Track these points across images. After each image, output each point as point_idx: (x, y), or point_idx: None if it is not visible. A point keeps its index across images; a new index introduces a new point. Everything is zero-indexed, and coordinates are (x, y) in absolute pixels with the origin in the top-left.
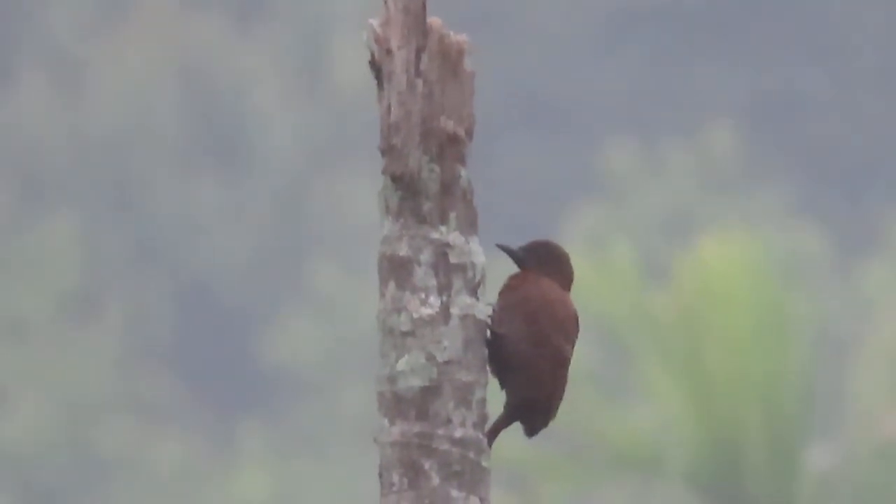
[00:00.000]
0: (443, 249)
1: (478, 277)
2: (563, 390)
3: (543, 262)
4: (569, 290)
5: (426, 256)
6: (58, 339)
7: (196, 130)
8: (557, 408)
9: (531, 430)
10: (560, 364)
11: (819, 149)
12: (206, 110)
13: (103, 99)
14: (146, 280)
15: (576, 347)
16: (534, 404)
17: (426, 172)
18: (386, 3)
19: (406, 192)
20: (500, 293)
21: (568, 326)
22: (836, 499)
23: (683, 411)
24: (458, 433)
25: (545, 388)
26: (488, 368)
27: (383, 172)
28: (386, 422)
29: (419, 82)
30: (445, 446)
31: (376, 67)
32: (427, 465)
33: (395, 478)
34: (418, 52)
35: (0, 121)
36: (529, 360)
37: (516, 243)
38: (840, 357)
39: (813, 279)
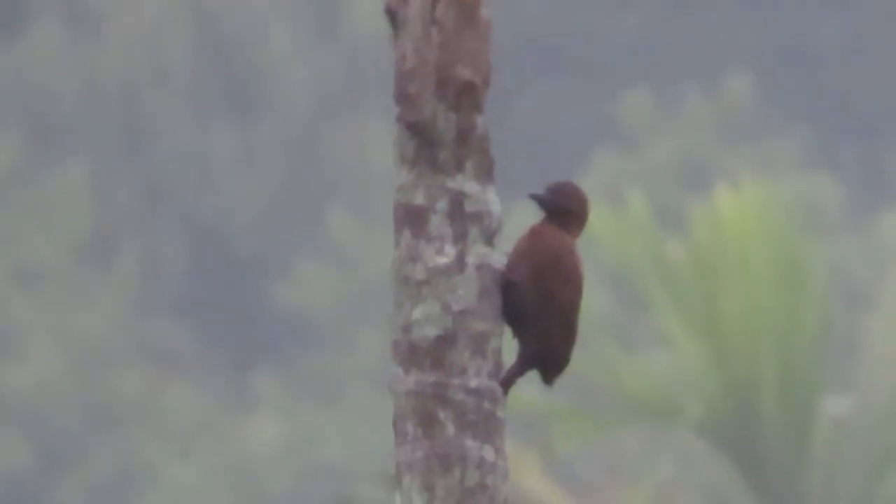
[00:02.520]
0: (458, 198)
1: (494, 226)
2: (574, 340)
3: (567, 205)
4: (580, 230)
5: (442, 205)
6: (71, 286)
7: (210, 75)
8: (570, 357)
9: (547, 380)
10: (568, 317)
11: (836, 98)
12: (221, 55)
13: (116, 44)
14: (160, 227)
15: (592, 296)
16: (546, 355)
17: (442, 121)
18: None
19: (421, 140)
20: (518, 240)
21: (575, 280)
22: (850, 447)
23: (699, 360)
24: (473, 383)
25: (555, 340)
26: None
27: (398, 121)
28: (401, 371)
29: (435, 30)
30: (460, 396)
31: (391, 14)
32: (442, 414)
33: (410, 427)
34: None
35: (12, 66)
36: (538, 314)
37: (532, 191)
38: (856, 306)
39: (829, 228)
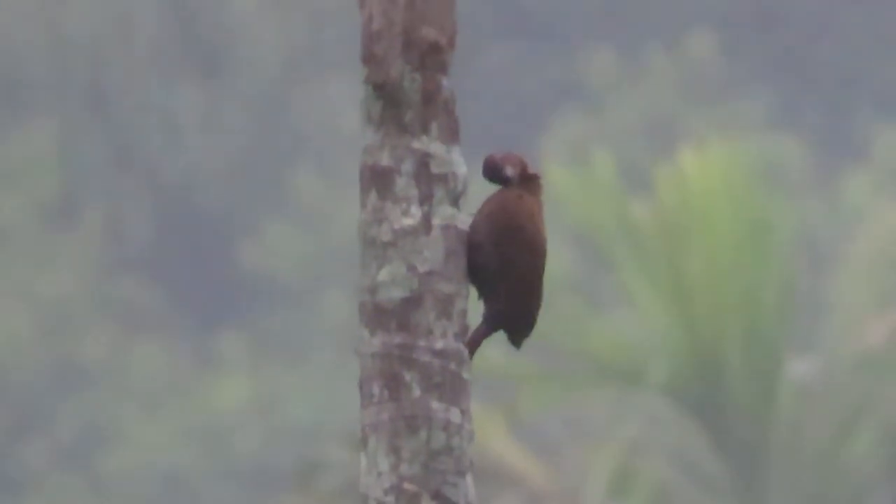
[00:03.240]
0: (424, 159)
1: (459, 187)
2: (539, 303)
3: (505, 170)
4: (538, 186)
5: (408, 166)
6: (37, 246)
7: (176, 35)
8: (536, 318)
9: (515, 342)
10: (530, 281)
11: (801, 58)
12: (187, 15)
13: (81, 4)
14: (125, 187)
15: (556, 257)
16: (511, 316)
17: (408, 82)
18: None
19: (388, 101)
20: (483, 203)
21: (535, 244)
22: (816, 409)
23: (665, 321)
24: (439, 344)
25: (519, 302)
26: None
27: (365, 81)
28: (367, 332)
29: None
30: (426, 358)
31: None
32: (408, 376)
33: (376, 389)
34: None
35: None
36: (500, 277)
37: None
38: (821, 267)
39: (794, 189)
